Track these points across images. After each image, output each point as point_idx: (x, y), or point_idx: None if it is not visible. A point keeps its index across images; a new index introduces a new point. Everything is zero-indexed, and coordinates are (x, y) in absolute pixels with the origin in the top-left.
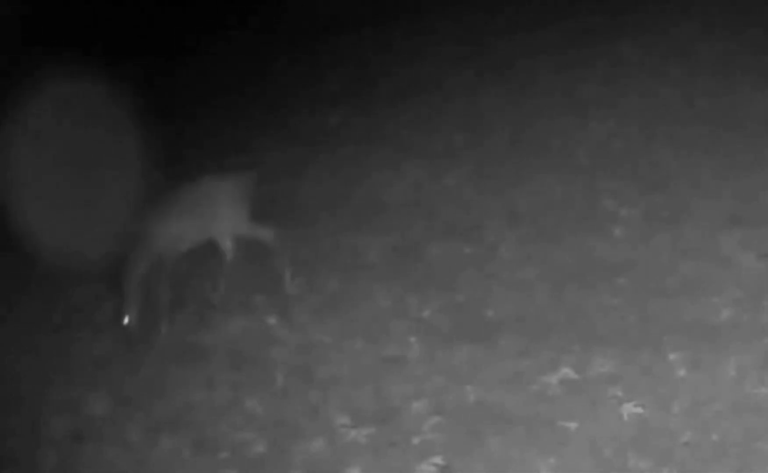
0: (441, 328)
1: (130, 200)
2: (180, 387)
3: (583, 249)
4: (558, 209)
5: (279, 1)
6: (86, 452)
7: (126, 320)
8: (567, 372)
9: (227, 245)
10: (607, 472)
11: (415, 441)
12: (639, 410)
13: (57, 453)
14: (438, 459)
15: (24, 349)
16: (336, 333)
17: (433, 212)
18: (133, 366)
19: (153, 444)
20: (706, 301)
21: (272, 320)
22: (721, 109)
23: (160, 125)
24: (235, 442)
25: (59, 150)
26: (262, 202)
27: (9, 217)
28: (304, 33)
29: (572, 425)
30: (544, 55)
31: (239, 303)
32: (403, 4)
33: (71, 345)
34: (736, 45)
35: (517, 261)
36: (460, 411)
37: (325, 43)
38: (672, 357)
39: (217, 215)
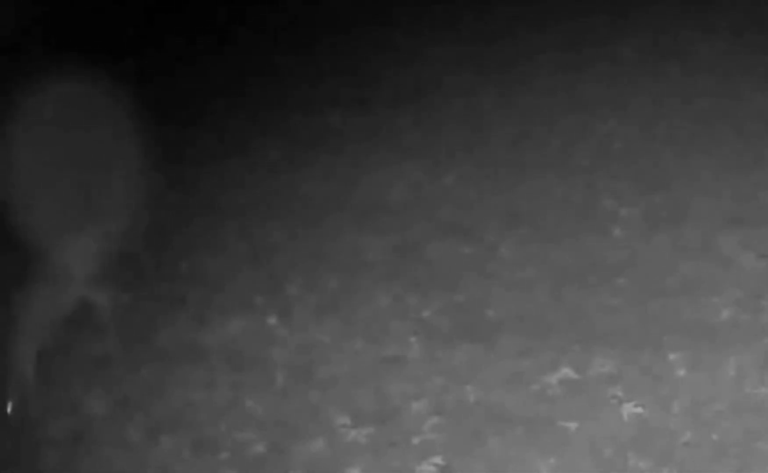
0: (441, 328)
1: (129, 200)
2: (179, 388)
3: (583, 249)
4: (558, 209)
5: (278, 0)
6: (86, 452)
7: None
8: (567, 372)
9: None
10: (607, 472)
11: (415, 440)
12: (639, 410)
13: (56, 454)
14: (438, 459)
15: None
16: (336, 333)
17: (433, 212)
18: (132, 367)
19: (153, 444)
20: (706, 301)
21: (272, 320)
22: (721, 109)
23: (159, 125)
24: (234, 442)
25: (58, 150)
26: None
27: (9, 216)
28: (303, 33)
29: (572, 425)
30: (544, 55)
31: (239, 304)
32: (403, 5)
33: (70, 346)
34: (736, 45)
35: (517, 261)
36: (460, 411)
37: (324, 43)
38: (672, 357)
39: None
